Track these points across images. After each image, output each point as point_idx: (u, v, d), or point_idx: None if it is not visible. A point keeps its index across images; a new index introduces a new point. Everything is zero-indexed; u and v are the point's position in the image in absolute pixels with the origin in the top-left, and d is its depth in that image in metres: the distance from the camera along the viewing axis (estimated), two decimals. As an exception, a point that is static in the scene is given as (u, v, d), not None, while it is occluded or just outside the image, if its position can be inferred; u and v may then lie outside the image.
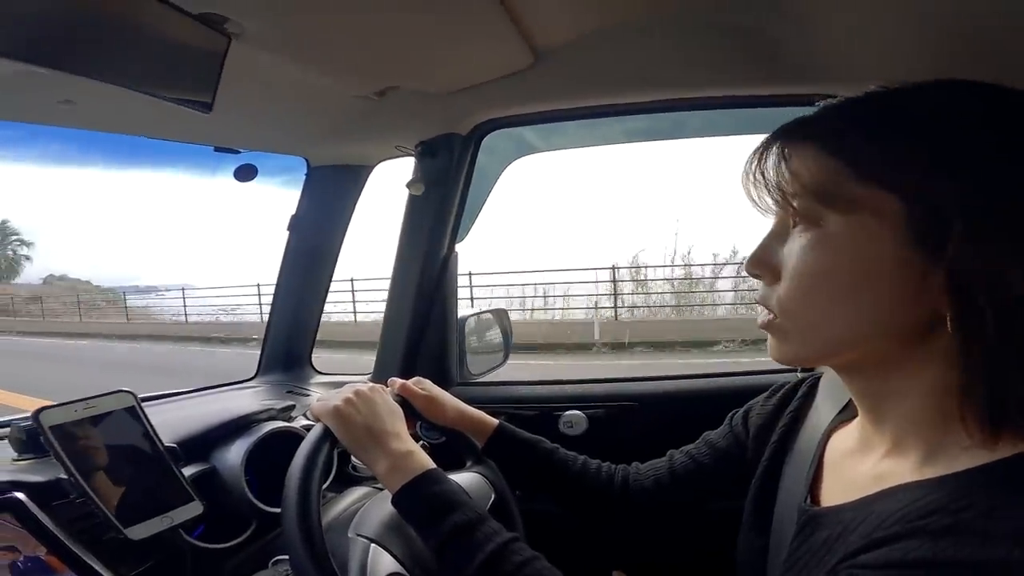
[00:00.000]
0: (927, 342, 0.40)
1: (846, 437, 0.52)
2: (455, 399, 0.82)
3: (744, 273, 0.51)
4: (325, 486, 0.80)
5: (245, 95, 0.82)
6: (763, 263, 0.46)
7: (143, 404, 0.69)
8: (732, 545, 0.63)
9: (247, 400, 1.09)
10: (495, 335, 1.32)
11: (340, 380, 1.26)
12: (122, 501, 0.61)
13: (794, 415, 0.62)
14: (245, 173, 1.07)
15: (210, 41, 0.63)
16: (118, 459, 0.64)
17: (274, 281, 1.28)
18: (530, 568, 0.53)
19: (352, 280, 10.61)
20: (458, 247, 1.17)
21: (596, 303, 9.52)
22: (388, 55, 0.81)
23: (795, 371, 0.99)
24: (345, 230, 1.26)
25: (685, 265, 9.98)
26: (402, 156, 1.15)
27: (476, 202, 1.17)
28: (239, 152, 1.06)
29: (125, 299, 18.04)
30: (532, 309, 10.30)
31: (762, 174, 0.45)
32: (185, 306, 14.79)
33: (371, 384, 0.70)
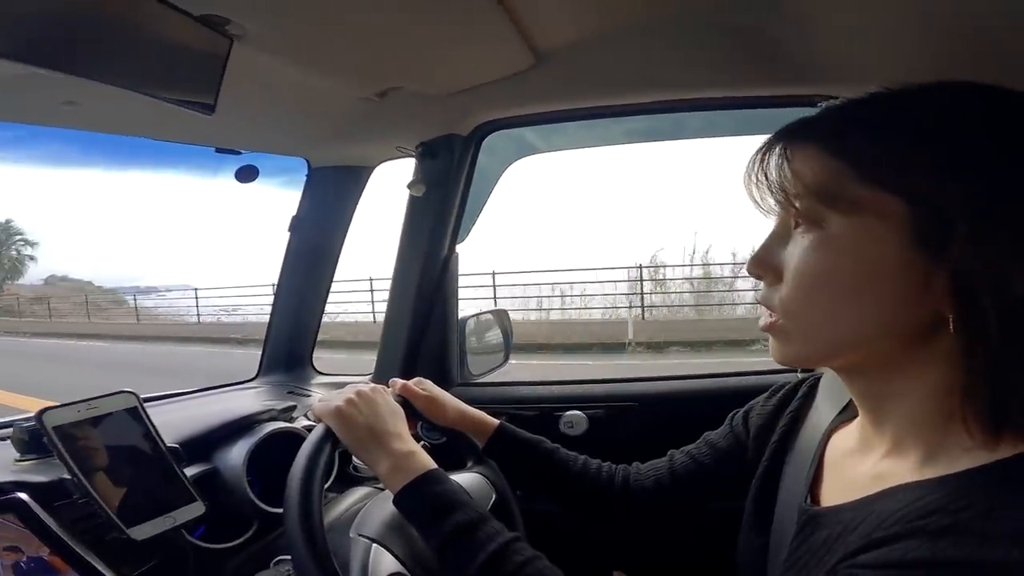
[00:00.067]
0: (928, 343, 0.40)
1: (846, 437, 0.52)
2: (456, 400, 0.82)
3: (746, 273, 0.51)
4: (326, 486, 0.80)
5: (246, 96, 0.82)
6: (764, 264, 0.46)
7: (145, 405, 0.70)
8: (732, 545, 0.63)
9: (248, 401, 1.09)
10: (495, 336, 1.32)
11: (341, 381, 1.26)
12: (124, 501, 0.62)
13: (794, 415, 0.63)
14: (247, 174, 1.07)
15: (212, 43, 0.64)
16: (120, 459, 0.64)
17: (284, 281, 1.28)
18: (531, 568, 0.53)
19: (371, 280, 10.54)
20: (460, 247, 1.18)
21: (630, 302, 9.47)
22: (389, 56, 0.81)
23: (795, 372, 1.00)
24: (346, 231, 1.27)
25: (704, 264, 9.99)
26: (403, 157, 1.15)
27: (477, 203, 1.18)
28: (240, 153, 1.06)
29: (136, 300, 17.62)
30: (561, 308, 10.24)
31: (764, 175, 0.45)
32: (198, 306, 14.57)
33: (372, 385, 0.70)
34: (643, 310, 9.38)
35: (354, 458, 0.91)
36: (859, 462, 0.47)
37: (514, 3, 0.71)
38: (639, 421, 1.08)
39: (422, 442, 0.77)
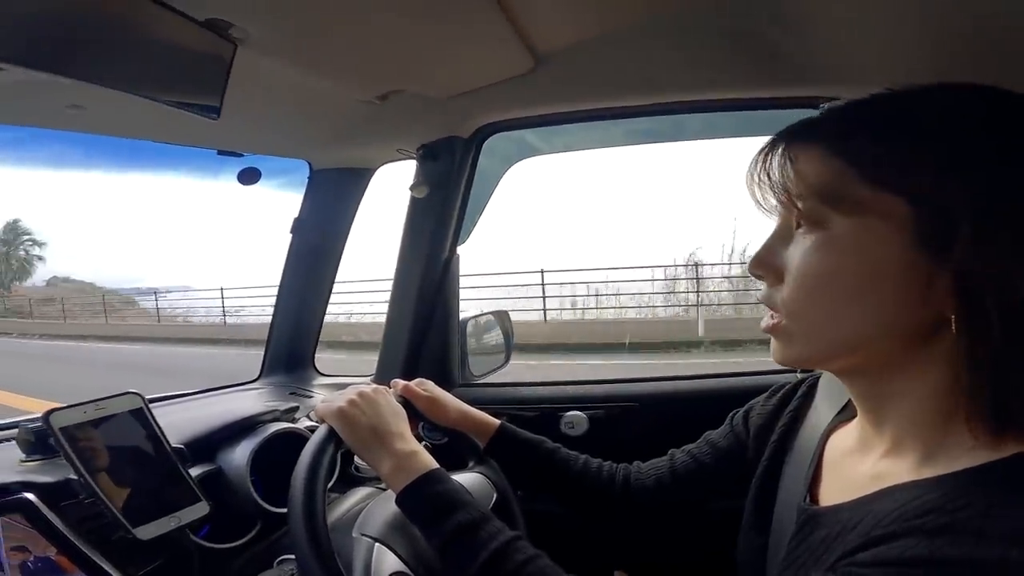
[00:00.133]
0: (929, 344, 0.40)
1: (845, 437, 0.52)
2: (457, 400, 0.82)
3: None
4: (328, 487, 0.80)
5: (249, 99, 0.83)
6: (766, 264, 0.47)
7: (150, 405, 0.70)
8: (733, 544, 0.63)
9: (251, 401, 1.09)
10: (496, 337, 1.32)
11: (342, 382, 1.26)
12: (130, 501, 0.62)
13: (793, 415, 0.63)
14: (249, 176, 1.08)
15: (216, 47, 0.64)
16: (126, 460, 0.65)
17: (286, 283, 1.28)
18: (532, 566, 0.53)
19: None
20: (462, 248, 1.18)
21: (699, 300, 9.27)
22: (390, 60, 0.81)
23: (795, 372, 1.00)
24: (348, 232, 1.27)
25: (742, 263, 9.94)
26: (404, 159, 1.16)
27: (478, 204, 1.18)
28: (242, 155, 1.07)
29: (157, 299, 16.62)
30: (616, 307, 10.08)
31: (767, 175, 0.45)
32: (223, 306, 13.95)
33: (374, 386, 0.71)
34: (699, 308, 9.20)
35: (356, 458, 0.91)
36: (858, 462, 0.47)
37: (514, 6, 0.72)
38: (639, 421, 1.08)
39: (424, 442, 0.77)
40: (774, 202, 0.46)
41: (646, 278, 10.01)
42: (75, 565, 0.58)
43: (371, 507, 0.66)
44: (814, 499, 0.50)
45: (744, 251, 9.95)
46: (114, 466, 0.63)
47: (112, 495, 0.61)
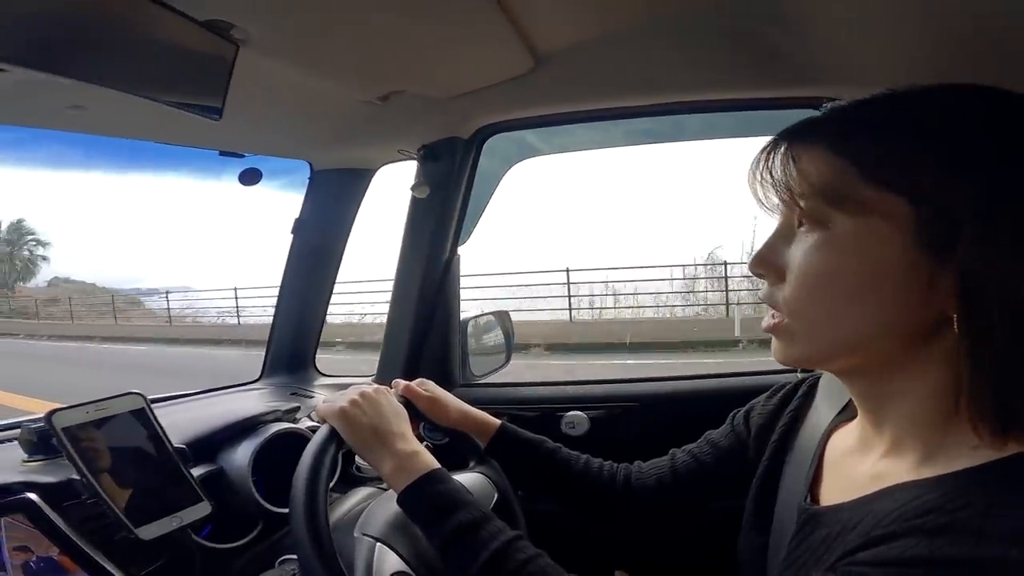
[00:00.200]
0: (929, 344, 0.40)
1: (846, 437, 0.52)
2: (458, 400, 0.82)
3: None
4: (330, 487, 0.80)
5: (250, 100, 0.83)
6: (767, 263, 0.47)
7: (152, 406, 0.70)
8: (733, 544, 0.63)
9: (253, 402, 1.10)
10: (497, 337, 1.33)
11: (343, 382, 1.27)
12: (132, 501, 0.62)
13: (794, 415, 0.63)
14: (250, 177, 1.08)
15: (218, 48, 0.64)
16: (128, 460, 0.65)
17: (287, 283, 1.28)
18: (533, 566, 0.53)
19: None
20: (463, 248, 1.18)
21: (738, 299, 9.14)
22: (391, 60, 0.82)
23: (795, 372, 1.00)
24: (348, 233, 1.27)
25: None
26: (404, 160, 1.16)
27: (479, 205, 1.18)
28: (243, 156, 1.07)
29: (168, 299, 16.16)
30: (634, 307, 10.00)
31: (770, 173, 0.45)
32: (238, 307, 13.60)
33: (376, 386, 0.71)
34: (727, 307, 9.13)
35: (357, 458, 0.91)
36: (858, 462, 0.47)
37: (514, 6, 0.72)
38: (640, 421, 1.08)
39: (424, 442, 0.77)
40: (776, 201, 0.46)
41: (664, 277, 9.93)
42: (77, 565, 0.58)
43: (372, 507, 0.66)
44: (814, 499, 0.50)
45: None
46: (116, 466, 0.63)
47: (114, 495, 0.61)
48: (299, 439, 0.86)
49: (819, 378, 0.64)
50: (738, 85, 0.94)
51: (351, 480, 0.90)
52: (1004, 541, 0.31)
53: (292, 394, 1.16)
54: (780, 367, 0.49)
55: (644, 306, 9.92)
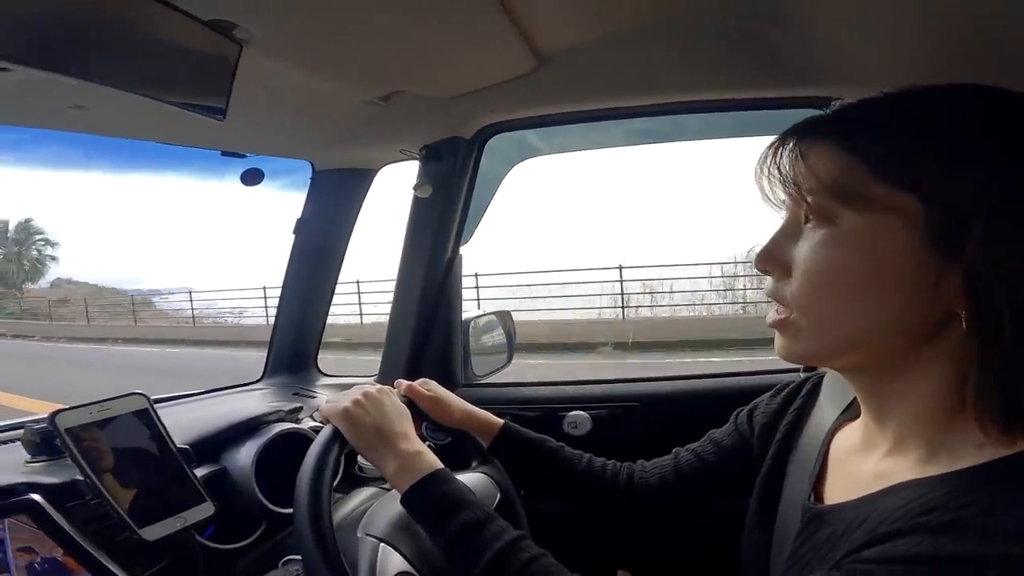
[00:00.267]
0: (933, 342, 0.40)
1: (850, 435, 0.52)
2: (461, 400, 0.82)
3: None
4: (333, 487, 0.80)
5: (253, 100, 0.83)
6: (773, 259, 0.47)
7: (155, 406, 0.70)
8: (737, 543, 0.63)
9: (255, 402, 1.10)
10: (499, 336, 1.33)
11: (345, 382, 1.27)
12: (136, 502, 0.62)
13: (798, 413, 0.63)
14: (252, 177, 1.08)
15: (221, 48, 0.64)
16: (132, 461, 0.65)
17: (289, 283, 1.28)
18: (537, 565, 0.53)
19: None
20: (464, 248, 1.18)
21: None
22: (393, 60, 0.82)
23: (798, 371, 1.00)
24: (350, 233, 1.27)
25: None
26: (406, 160, 1.16)
27: (480, 205, 1.19)
28: (245, 156, 1.07)
29: (192, 299, 15.18)
30: (671, 305, 9.81)
31: (777, 169, 0.45)
32: (267, 306, 12.43)
33: (379, 386, 0.71)
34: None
35: (360, 459, 0.91)
36: (862, 460, 0.47)
37: (516, 7, 0.72)
38: (642, 421, 1.08)
39: (427, 442, 0.77)
40: (783, 196, 0.46)
41: (703, 275, 9.76)
42: (81, 566, 0.58)
43: (376, 507, 0.66)
44: (818, 498, 0.50)
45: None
46: (120, 467, 0.64)
47: (118, 496, 0.61)
48: (302, 439, 0.86)
49: (823, 377, 0.64)
50: (739, 85, 0.94)
51: (354, 480, 0.90)
52: (1008, 539, 0.31)
53: (294, 394, 1.16)
54: (782, 367, 0.49)
55: (682, 304, 9.80)
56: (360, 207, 1.27)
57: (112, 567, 0.59)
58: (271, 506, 0.78)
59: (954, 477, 0.37)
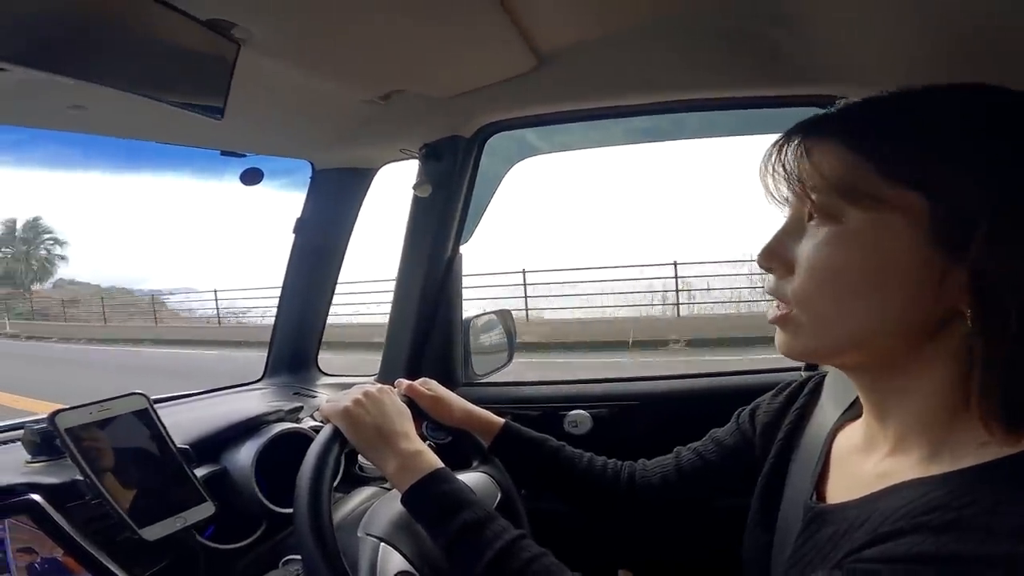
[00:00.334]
0: (935, 340, 0.40)
1: (852, 435, 0.52)
2: (461, 399, 0.82)
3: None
4: (333, 486, 0.80)
5: (252, 100, 0.83)
6: (777, 256, 0.46)
7: (155, 406, 0.70)
8: (738, 542, 0.63)
9: (255, 402, 1.10)
10: (499, 336, 1.33)
11: (346, 382, 1.27)
12: (136, 502, 0.62)
13: (800, 413, 0.63)
14: (251, 177, 1.08)
15: (219, 47, 0.64)
16: (132, 461, 0.65)
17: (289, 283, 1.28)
18: (538, 564, 0.53)
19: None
20: (464, 248, 1.18)
21: None
22: (392, 60, 0.82)
23: (799, 370, 1.00)
24: (350, 232, 1.27)
25: None
26: (406, 159, 1.16)
27: (480, 204, 1.19)
28: (245, 156, 1.07)
29: (217, 298, 14.30)
30: (704, 303, 9.69)
31: (782, 166, 0.45)
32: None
33: (379, 385, 0.71)
34: None
35: (360, 458, 0.91)
36: (864, 459, 0.47)
37: (516, 6, 0.72)
38: (643, 420, 1.08)
39: (428, 442, 0.77)
40: (786, 193, 0.46)
41: (741, 272, 9.56)
42: (81, 566, 0.58)
43: (376, 507, 0.66)
44: (820, 497, 0.50)
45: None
46: (120, 467, 0.63)
47: (118, 496, 0.61)
48: (302, 439, 0.86)
49: (825, 376, 0.64)
50: (739, 84, 0.94)
51: (354, 480, 0.90)
52: (1012, 538, 0.31)
53: (295, 394, 1.16)
54: (783, 366, 0.49)
55: (718, 301, 9.67)
56: (360, 206, 1.26)
57: (112, 567, 0.59)
58: (271, 506, 0.78)
59: (956, 476, 0.37)
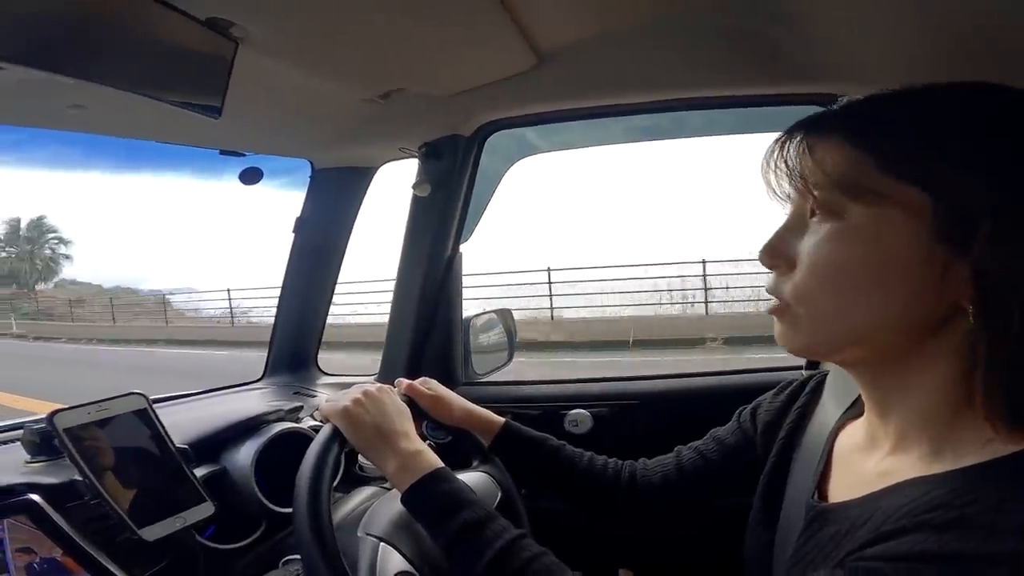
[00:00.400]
0: (937, 337, 0.40)
1: (853, 433, 0.52)
2: (461, 399, 0.82)
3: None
4: (333, 486, 0.80)
5: (251, 99, 0.82)
6: (779, 253, 0.46)
7: (154, 406, 0.70)
8: (739, 541, 0.63)
9: (255, 401, 1.10)
10: (499, 335, 1.32)
11: (346, 381, 1.26)
12: (135, 502, 0.62)
13: (801, 411, 0.63)
14: (250, 176, 1.08)
15: (217, 46, 0.64)
16: (130, 460, 0.65)
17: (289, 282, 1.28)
18: (539, 563, 0.53)
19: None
20: (464, 247, 1.18)
21: None
22: (392, 58, 0.81)
23: (800, 369, 1.00)
24: (350, 232, 1.27)
25: None
26: (406, 158, 1.16)
27: (480, 203, 1.18)
28: (244, 155, 1.07)
29: (230, 296, 13.99)
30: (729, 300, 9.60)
31: (785, 162, 0.45)
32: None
33: (379, 385, 0.70)
34: None
35: (360, 458, 0.91)
36: (866, 458, 0.47)
37: (516, 4, 0.71)
38: (644, 419, 1.08)
39: (427, 441, 0.77)
40: (788, 190, 0.46)
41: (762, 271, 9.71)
42: (81, 567, 0.58)
43: (376, 507, 0.66)
44: (822, 496, 0.50)
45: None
46: (119, 467, 0.63)
47: (117, 496, 0.61)
48: (302, 439, 0.86)
49: (826, 375, 0.64)
50: (739, 82, 0.94)
51: (354, 480, 0.90)
52: (1016, 536, 0.31)
53: (295, 393, 1.16)
54: (784, 365, 0.49)
55: (737, 300, 9.58)
56: (360, 205, 1.26)
57: (112, 567, 0.58)
58: (271, 506, 0.78)
59: (959, 475, 0.36)
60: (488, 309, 1.32)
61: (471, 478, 0.72)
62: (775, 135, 0.48)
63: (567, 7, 0.78)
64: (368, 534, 0.61)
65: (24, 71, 0.54)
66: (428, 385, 0.81)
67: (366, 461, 0.85)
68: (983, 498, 0.33)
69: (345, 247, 1.27)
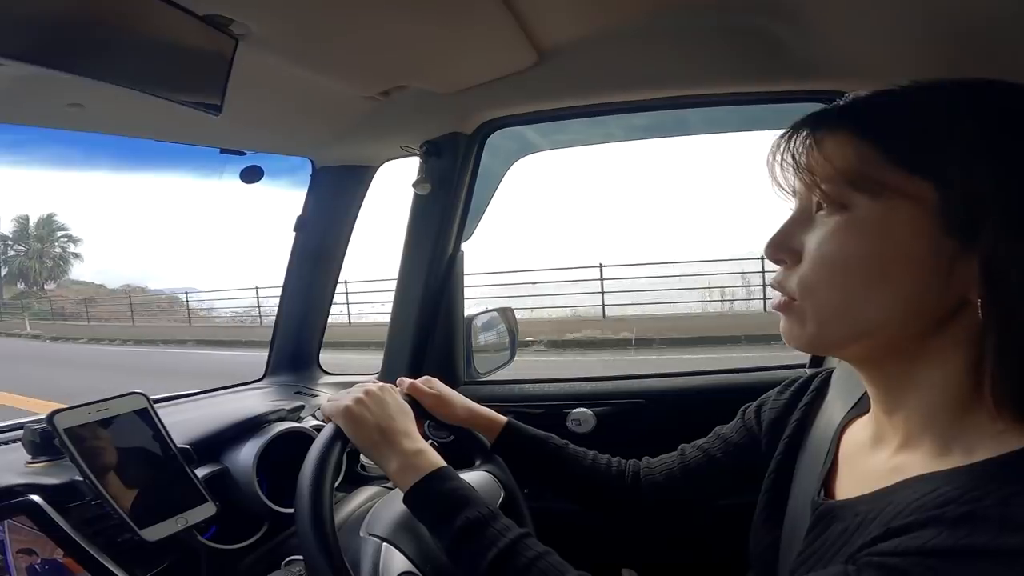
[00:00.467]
0: (944, 330, 0.40)
1: (860, 431, 0.52)
2: (464, 398, 0.82)
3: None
4: (335, 486, 0.80)
5: (251, 97, 0.82)
6: (785, 247, 0.46)
7: (155, 406, 0.70)
8: (744, 540, 0.63)
9: (256, 401, 1.09)
10: (502, 334, 1.32)
11: (347, 380, 1.26)
12: (136, 502, 0.62)
13: (807, 409, 0.62)
14: (251, 174, 1.07)
15: (217, 43, 0.64)
16: (132, 461, 0.65)
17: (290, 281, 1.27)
18: (542, 563, 0.53)
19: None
20: (465, 245, 1.18)
21: None
22: (393, 56, 0.81)
23: (804, 367, 0.99)
24: (351, 230, 1.27)
25: None
26: (407, 156, 1.15)
27: (481, 201, 1.18)
28: (245, 154, 1.06)
29: (258, 295, 13.27)
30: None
31: (791, 156, 0.45)
32: (348, 303, 10.90)
33: (381, 384, 0.70)
34: None
35: (362, 457, 0.91)
36: (873, 455, 0.47)
37: (517, 2, 0.71)
38: (647, 418, 1.08)
39: (430, 440, 0.77)
40: (796, 183, 0.46)
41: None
42: (82, 567, 0.57)
43: (378, 506, 0.66)
44: (829, 494, 0.50)
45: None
46: (120, 467, 0.63)
47: (118, 496, 0.61)
48: (304, 438, 0.85)
49: (831, 373, 0.64)
50: (740, 80, 0.94)
51: (356, 479, 0.90)
52: None
53: (296, 393, 1.15)
54: (787, 363, 0.49)
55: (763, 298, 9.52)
56: (361, 204, 1.26)
57: (113, 568, 0.58)
58: (273, 506, 0.78)
59: (968, 470, 0.36)
60: (491, 308, 1.31)
61: (474, 477, 0.72)
62: (779, 132, 0.47)
63: (568, 5, 0.78)
64: (371, 534, 0.61)
65: (21, 67, 0.53)
66: (430, 384, 0.81)
67: (368, 461, 0.84)
68: (993, 492, 0.33)
69: (346, 246, 1.27)
